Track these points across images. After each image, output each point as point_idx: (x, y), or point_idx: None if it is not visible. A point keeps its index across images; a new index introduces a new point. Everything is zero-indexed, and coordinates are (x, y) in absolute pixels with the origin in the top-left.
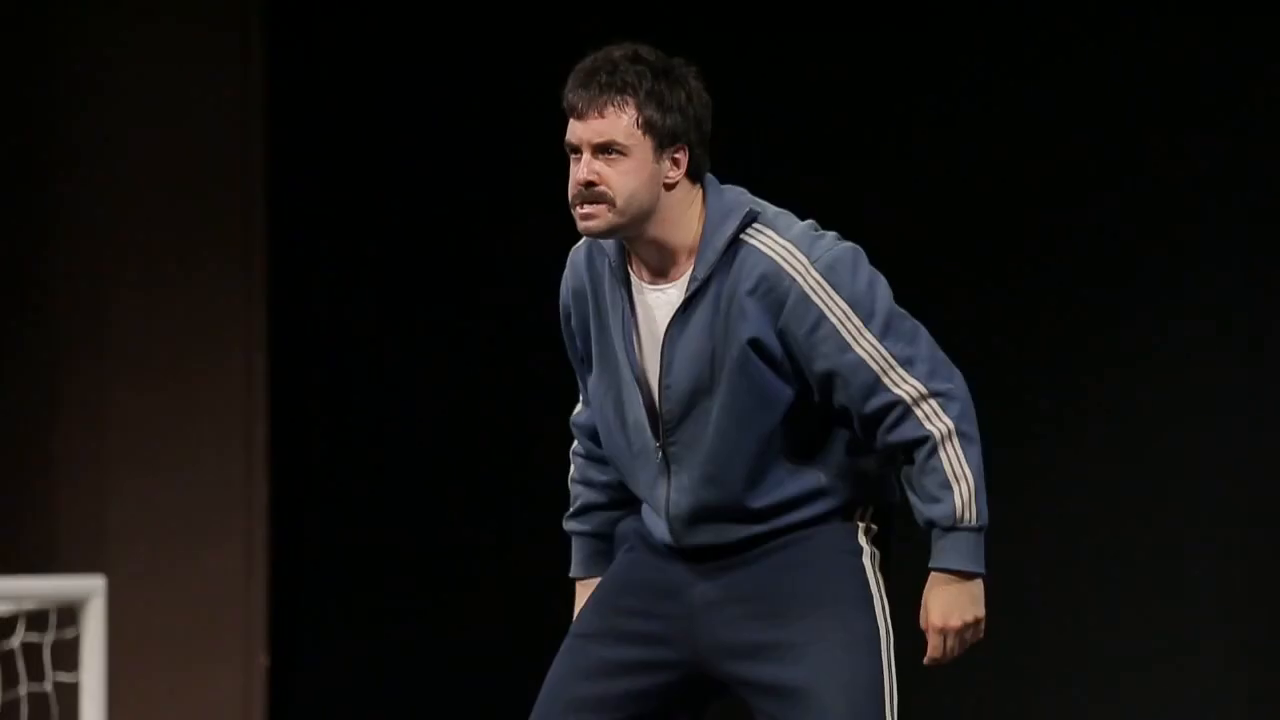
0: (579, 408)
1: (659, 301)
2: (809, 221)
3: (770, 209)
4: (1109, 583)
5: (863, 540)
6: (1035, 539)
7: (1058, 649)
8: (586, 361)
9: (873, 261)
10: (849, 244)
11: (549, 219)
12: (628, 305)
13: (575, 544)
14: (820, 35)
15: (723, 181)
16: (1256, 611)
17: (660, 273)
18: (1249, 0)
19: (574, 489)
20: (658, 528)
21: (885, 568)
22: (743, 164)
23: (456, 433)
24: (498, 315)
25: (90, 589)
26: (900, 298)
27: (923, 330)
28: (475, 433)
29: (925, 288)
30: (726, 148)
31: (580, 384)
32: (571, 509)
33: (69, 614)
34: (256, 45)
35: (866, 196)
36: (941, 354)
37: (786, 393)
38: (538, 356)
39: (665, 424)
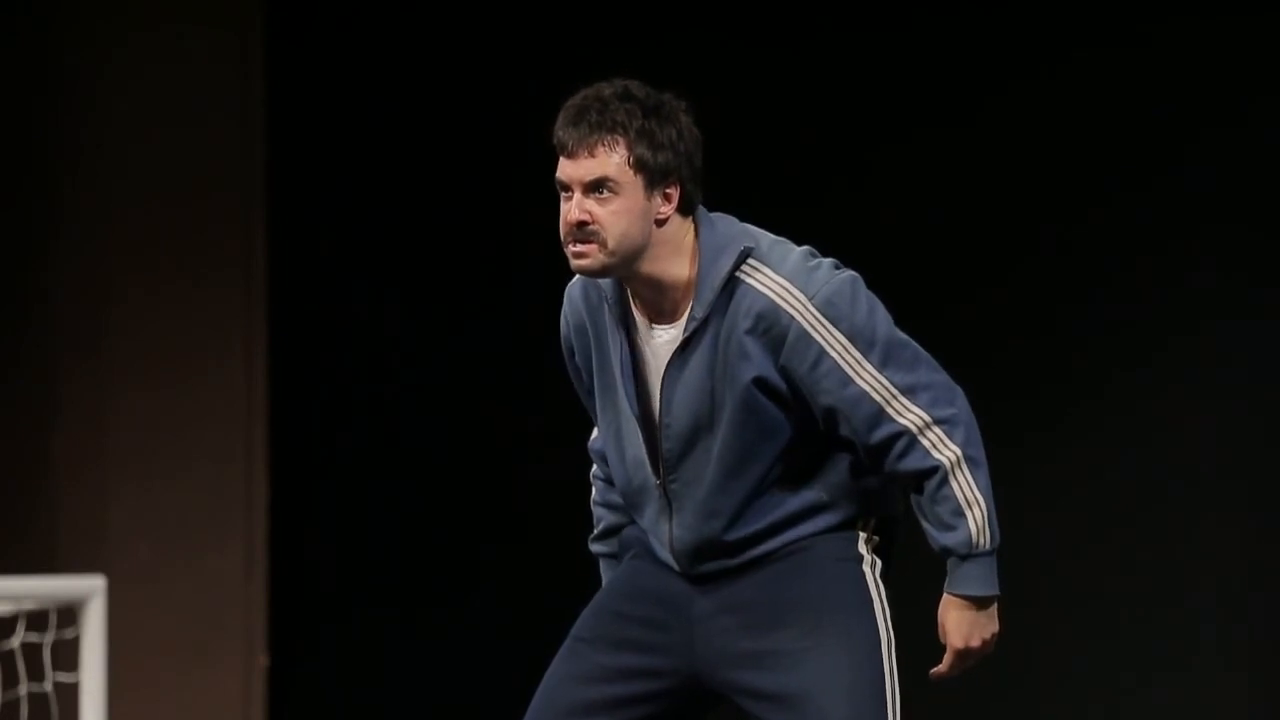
0: (595, 433)
1: (659, 340)
2: (805, 249)
3: (765, 239)
4: (1109, 583)
5: (863, 548)
6: (1035, 540)
7: (1058, 650)
8: (594, 394)
9: (874, 263)
10: (846, 274)
11: (551, 220)
12: (626, 343)
13: (602, 565)
14: (819, 39)
15: (721, 201)
16: (1256, 611)
17: (658, 310)
18: (1250, 2)
19: (596, 511)
20: (663, 557)
21: (886, 576)
22: (743, 169)
23: (457, 434)
24: (499, 316)
25: (90, 589)
26: (901, 301)
27: (923, 355)
28: (476, 434)
29: (926, 289)
30: (726, 153)
31: (591, 414)
32: (595, 531)
33: (69, 614)
34: (256, 45)
35: (868, 198)
36: (943, 376)
37: (790, 425)
38: (540, 356)
39: (665, 462)
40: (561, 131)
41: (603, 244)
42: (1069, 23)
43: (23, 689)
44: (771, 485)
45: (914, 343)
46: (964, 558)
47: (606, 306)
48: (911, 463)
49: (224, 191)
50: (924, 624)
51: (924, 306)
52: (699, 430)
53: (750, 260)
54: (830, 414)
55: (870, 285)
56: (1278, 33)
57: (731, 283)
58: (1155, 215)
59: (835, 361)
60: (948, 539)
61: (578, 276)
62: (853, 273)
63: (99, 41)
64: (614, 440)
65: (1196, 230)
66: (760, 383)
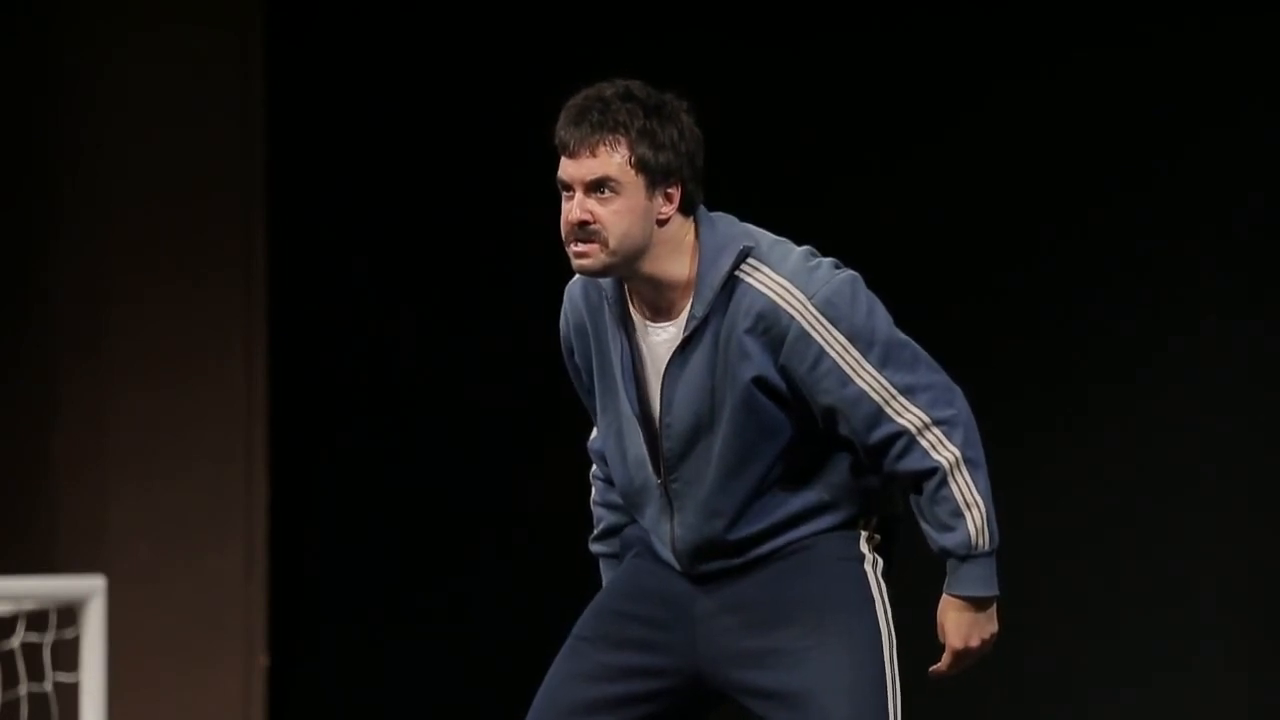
0: (594, 433)
1: (659, 339)
2: (805, 249)
3: (765, 239)
4: (1109, 583)
5: (864, 547)
6: (1035, 540)
7: (1059, 650)
8: (593, 393)
9: (874, 263)
10: (846, 273)
11: (551, 220)
12: (627, 343)
13: (602, 565)
14: (819, 39)
15: (721, 201)
16: (1256, 611)
17: (658, 309)
18: (1250, 2)
19: (596, 511)
20: (665, 556)
21: (888, 575)
22: (743, 169)
23: (457, 434)
24: (499, 316)
25: (90, 589)
26: (901, 301)
27: (923, 355)
28: (476, 433)
29: (926, 289)
30: (726, 153)
31: (591, 413)
32: (595, 531)
33: (69, 614)
34: (256, 45)
35: (868, 198)
36: (943, 377)
37: (790, 425)
38: (540, 356)
39: (666, 461)
40: (563, 131)
41: (604, 244)
42: (1069, 23)
43: (23, 689)
44: (773, 485)
45: (914, 343)
46: (963, 559)
47: (607, 306)
48: (910, 463)
49: (224, 191)
50: (925, 623)
51: (924, 306)
52: (700, 430)
53: (750, 260)
54: (830, 414)
55: (870, 285)
56: (1278, 33)
57: (731, 282)
58: (1155, 215)
59: (835, 361)
60: (946, 540)
61: (578, 276)
62: (853, 272)
63: (99, 41)
64: (614, 440)
65: (1196, 230)
66: (760, 382)
